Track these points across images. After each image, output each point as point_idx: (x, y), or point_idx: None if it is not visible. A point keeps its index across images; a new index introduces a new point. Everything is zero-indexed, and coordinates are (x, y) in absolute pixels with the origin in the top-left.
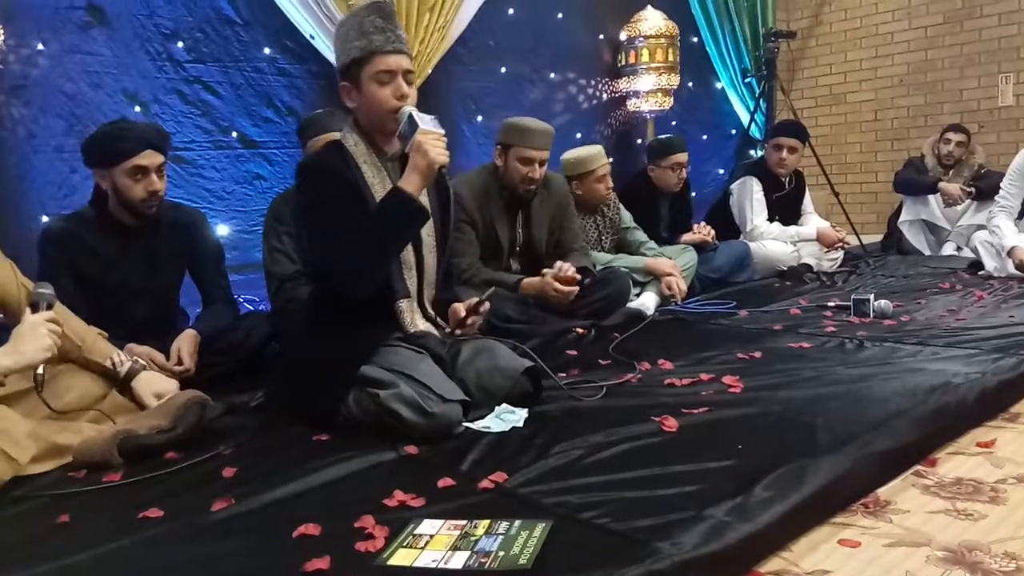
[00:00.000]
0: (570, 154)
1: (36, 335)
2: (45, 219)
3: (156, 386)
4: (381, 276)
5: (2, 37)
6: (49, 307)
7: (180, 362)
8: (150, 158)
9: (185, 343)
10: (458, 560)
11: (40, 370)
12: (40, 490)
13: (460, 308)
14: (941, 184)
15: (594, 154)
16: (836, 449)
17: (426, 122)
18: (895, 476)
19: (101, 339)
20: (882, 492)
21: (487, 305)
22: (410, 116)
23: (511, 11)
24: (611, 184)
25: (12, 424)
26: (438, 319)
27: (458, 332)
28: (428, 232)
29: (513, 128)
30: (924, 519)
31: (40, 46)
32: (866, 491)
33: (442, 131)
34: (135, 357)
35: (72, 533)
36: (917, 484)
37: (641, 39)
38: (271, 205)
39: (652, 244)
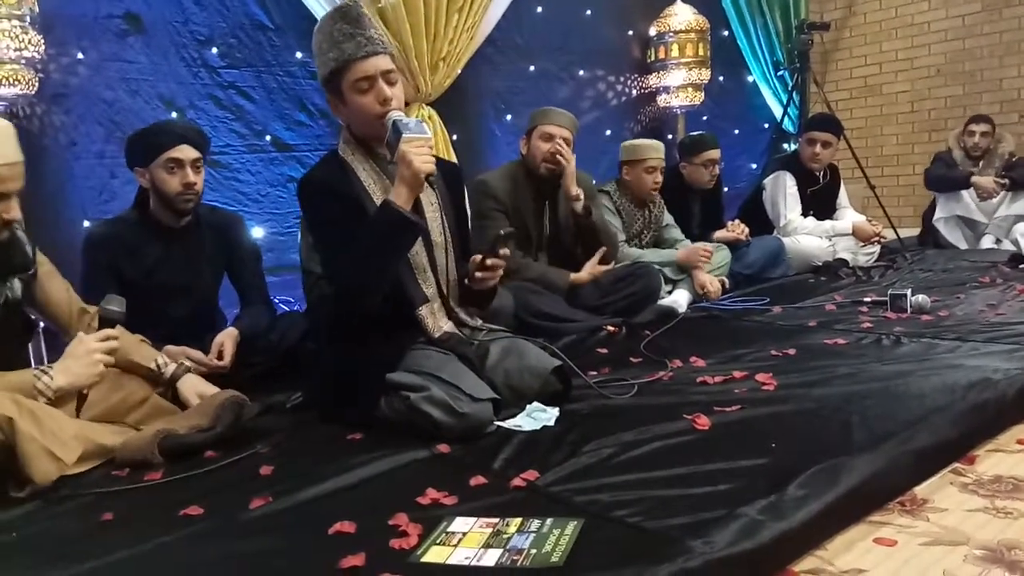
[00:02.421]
0: (629, 141)
1: (89, 360)
2: (87, 224)
3: (201, 388)
4: (385, 287)
5: (43, 47)
6: (112, 325)
7: (220, 357)
8: (185, 152)
9: (228, 340)
10: (491, 558)
11: (84, 390)
12: (85, 488)
13: (477, 257)
14: (974, 178)
15: (650, 144)
16: (872, 447)
17: (410, 128)
18: (933, 474)
19: (144, 343)
20: (919, 490)
21: (505, 251)
22: (394, 124)
23: (539, 9)
24: (659, 180)
25: (59, 425)
26: (464, 317)
27: (479, 276)
28: (438, 231)
29: (536, 112)
30: (962, 517)
31: (79, 55)
32: (903, 489)
33: (428, 135)
34: (181, 360)
35: (115, 530)
36: (955, 482)
37: (671, 34)
38: None
39: (686, 242)
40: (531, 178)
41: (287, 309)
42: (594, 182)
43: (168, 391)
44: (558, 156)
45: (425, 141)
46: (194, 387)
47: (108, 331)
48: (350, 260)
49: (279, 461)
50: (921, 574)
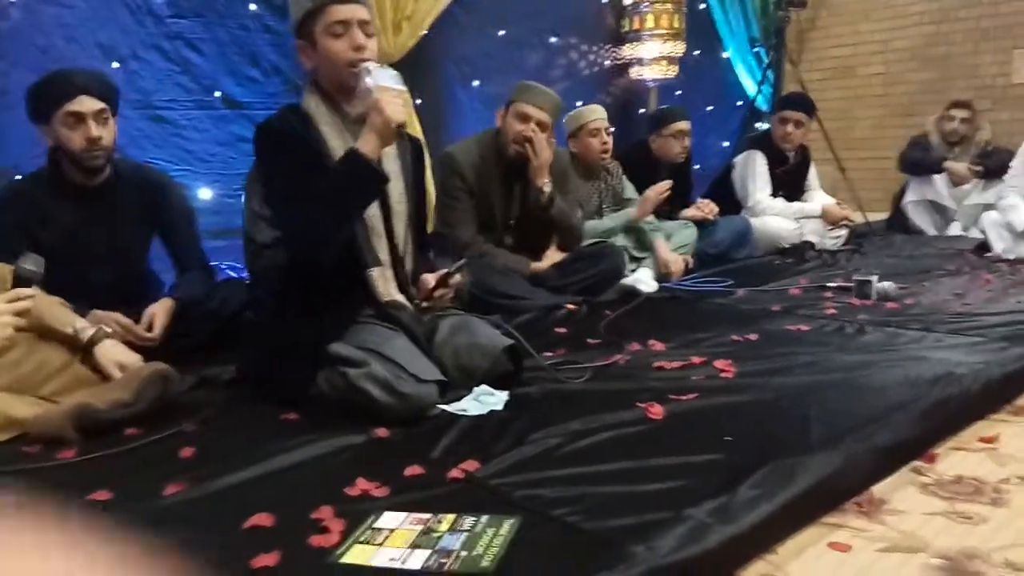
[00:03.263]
0: (568, 113)
1: None
2: (19, 177)
3: (119, 355)
4: (342, 242)
5: None
6: (27, 285)
7: (150, 328)
8: (85, 104)
9: (161, 311)
10: (417, 559)
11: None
12: None
13: (429, 279)
14: (947, 163)
15: (588, 109)
16: (830, 444)
17: (385, 79)
18: (892, 472)
19: (62, 307)
20: (877, 490)
21: (458, 278)
22: (369, 72)
23: None
24: (607, 141)
25: None
26: (414, 292)
27: (425, 304)
28: (398, 200)
29: (520, 85)
30: (921, 521)
31: None
32: (860, 489)
33: (403, 88)
34: (102, 325)
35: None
36: (915, 482)
37: (646, 4)
38: (252, 166)
39: (651, 218)
40: (501, 155)
41: (233, 275)
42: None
43: (87, 358)
44: (527, 145)
45: (399, 94)
46: (112, 354)
47: (18, 291)
48: (308, 210)
49: (203, 442)
50: None
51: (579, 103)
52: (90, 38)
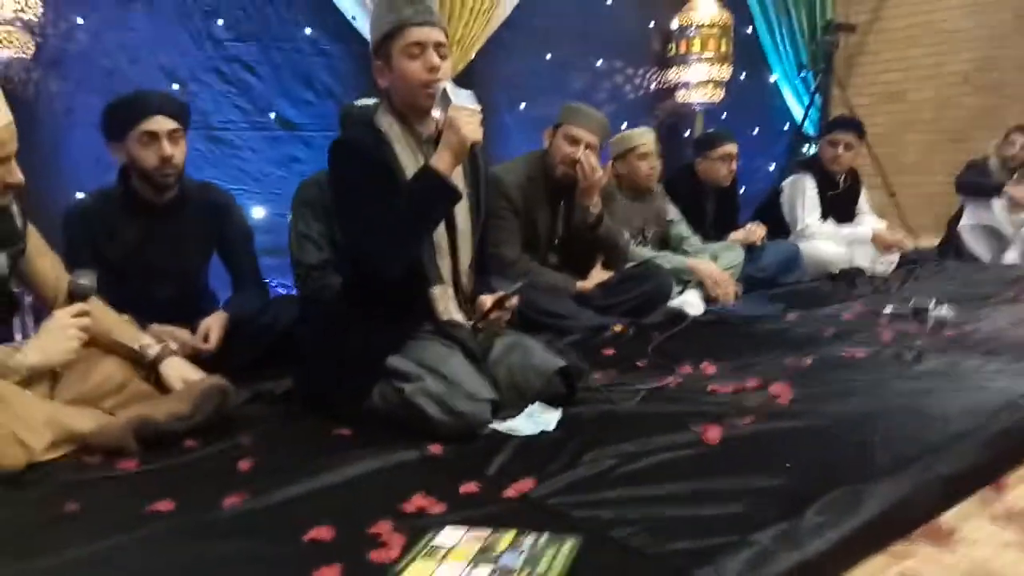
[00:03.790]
0: (615, 136)
1: (64, 336)
2: (80, 196)
3: (185, 372)
4: (412, 257)
5: (41, 10)
6: (83, 299)
7: (206, 339)
8: (159, 123)
9: (215, 323)
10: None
11: (59, 368)
12: (53, 475)
13: (486, 300)
14: (1008, 188)
15: (638, 132)
16: (895, 471)
17: (461, 97)
18: (958, 502)
19: (128, 324)
20: (945, 520)
21: (514, 300)
22: (444, 91)
23: None
24: (655, 165)
25: (29, 410)
26: (470, 311)
27: (480, 326)
28: (463, 217)
29: (569, 108)
30: (994, 552)
31: (79, 20)
32: (927, 518)
33: (478, 107)
34: (166, 341)
35: (78, 524)
36: (984, 512)
37: (693, 28)
38: (298, 189)
39: (695, 240)
40: (548, 176)
41: (284, 292)
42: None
43: (151, 374)
44: (578, 168)
45: (475, 112)
46: (178, 371)
47: (81, 306)
48: (381, 224)
49: (260, 455)
50: None
51: (624, 126)
52: (152, 60)
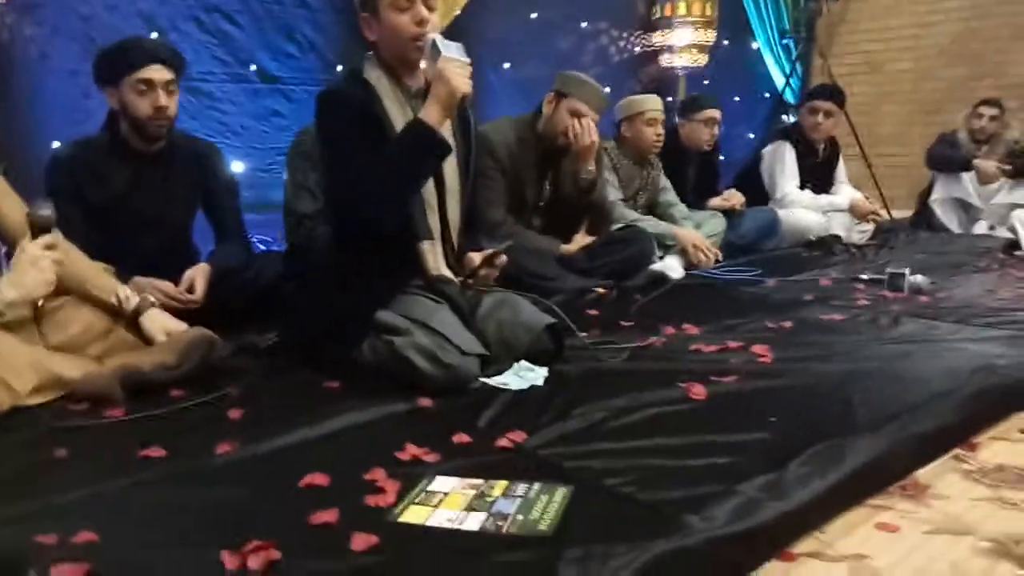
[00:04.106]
0: (625, 98)
1: (37, 267)
2: (56, 145)
3: (166, 323)
4: (402, 211)
5: None
6: (46, 230)
7: (191, 291)
8: (157, 72)
9: (199, 274)
10: (474, 521)
11: (40, 303)
12: (39, 422)
13: (475, 257)
14: (976, 161)
15: (648, 97)
16: (875, 428)
17: (451, 50)
18: (934, 459)
19: (105, 273)
20: (921, 475)
21: (503, 258)
22: (433, 43)
23: None
24: (661, 133)
25: (13, 353)
26: (459, 268)
27: (469, 282)
28: (452, 174)
29: (574, 79)
30: (967, 506)
31: None
32: (904, 473)
33: (468, 60)
34: (146, 294)
35: (68, 469)
36: (958, 469)
37: None
38: (297, 139)
39: (682, 207)
40: (540, 140)
41: (264, 249)
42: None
43: (132, 325)
44: (571, 132)
45: (464, 65)
46: (160, 322)
47: (48, 238)
48: (370, 176)
49: (249, 405)
50: (927, 564)
51: (607, 88)
52: (131, 7)
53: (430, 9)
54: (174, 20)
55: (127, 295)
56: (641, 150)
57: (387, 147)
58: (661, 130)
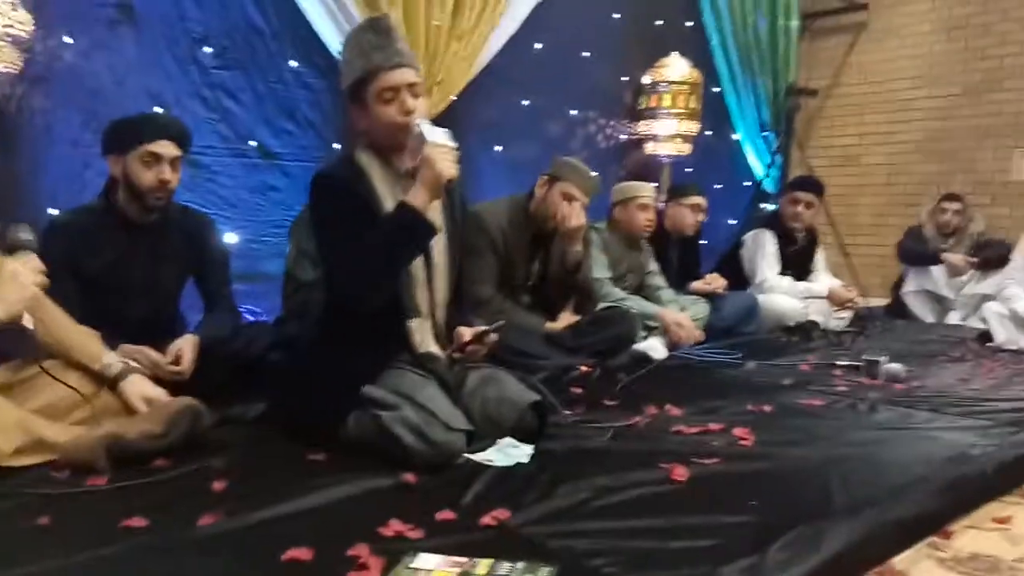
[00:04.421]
0: (619, 183)
1: (17, 282)
2: (54, 212)
3: (145, 390)
4: (389, 291)
5: (31, 27)
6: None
7: (177, 362)
8: (165, 148)
9: (187, 345)
10: None
11: (31, 325)
12: (22, 487)
13: (466, 332)
14: (944, 255)
15: (641, 184)
16: (853, 513)
17: (437, 135)
18: (910, 546)
19: (92, 339)
20: (897, 562)
21: (493, 337)
22: (420, 129)
23: (538, 46)
24: (652, 219)
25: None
26: (446, 342)
27: (457, 356)
28: (440, 251)
29: (567, 165)
30: None
31: (68, 39)
32: (881, 560)
33: (454, 144)
34: (127, 359)
35: (50, 537)
36: (932, 556)
37: (665, 84)
38: (304, 208)
39: (669, 291)
40: (531, 221)
41: (253, 319)
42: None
43: (115, 391)
44: (559, 215)
45: (449, 149)
46: (139, 389)
47: (26, 256)
48: (358, 258)
49: (234, 477)
50: None
51: (594, 173)
52: (138, 82)
53: (416, 96)
54: (179, 96)
55: (109, 361)
56: (632, 233)
57: (376, 226)
58: (652, 215)
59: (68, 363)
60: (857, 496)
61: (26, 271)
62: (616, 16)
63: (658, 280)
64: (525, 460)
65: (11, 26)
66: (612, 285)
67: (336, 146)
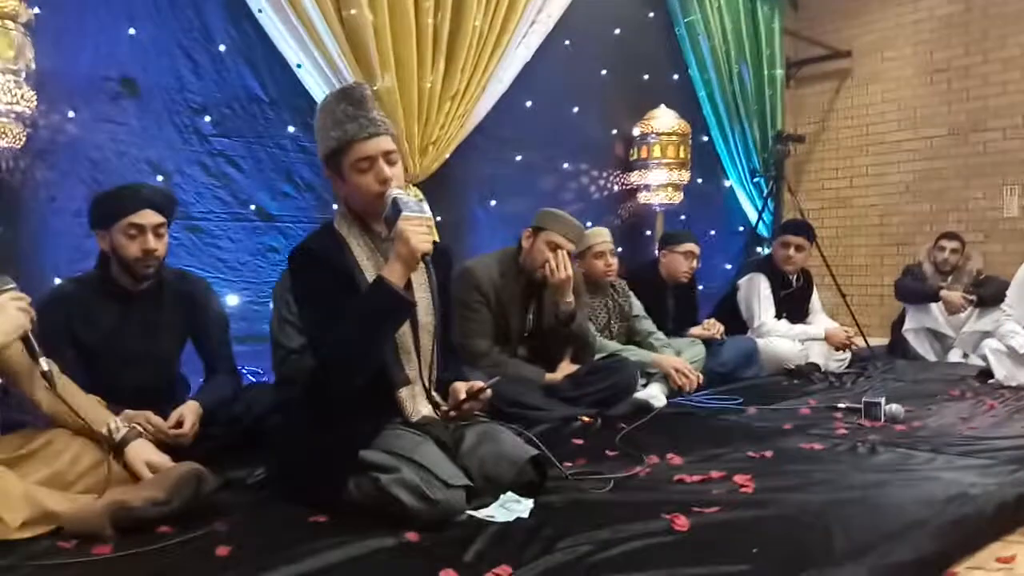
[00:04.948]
0: None
1: (5, 313)
2: (58, 281)
3: (149, 455)
4: (374, 368)
5: (35, 103)
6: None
7: (179, 427)
8: (147, 217)
9: (188, 412)
10: None
11: (45, 367)
12: (29, 560)
13: (461, 389)
14: (943, 293)
15: (594, 231)
16: (854, 557)
17: (410, 207)
18: None
19: (98, 405)
20: None
21: (489, 393)
22: (394, 201)
23: (529, 103)
24: (612, 263)
25: (6, 485)
26: (440, 401)
27: (452, 413)
28: (426, 312)
29: (549, 215)
30: None
31: (71, 113)
32: None
33: (428, 215)
34: (133, 424)
35: None
36: None
37: (654, 135)
38: (284, 274)
39: (660, 335)
40: (522, 272)
41: (254, 380)
42: None
43: (118, 457)
44: (547, 266)
45: (424, 220)
46: (143, 454)
47: (11, 291)
48: (338, 335)
49: (237, 541)
50: None
51: (589, 224)
52: (140, 154)
53: (391, 163)
54: (180, 165)
55: (116, 426)
56: (595, 280)
57: (355, 302)
58: (611, 259)
59: (74, 431)
60: (858, 541)
61: (12, 299)
62: (604, 72)
63: (648, 325)
64: (526, 515)
65: (15, 103)
66: (600, 338)
67: (335, 207)
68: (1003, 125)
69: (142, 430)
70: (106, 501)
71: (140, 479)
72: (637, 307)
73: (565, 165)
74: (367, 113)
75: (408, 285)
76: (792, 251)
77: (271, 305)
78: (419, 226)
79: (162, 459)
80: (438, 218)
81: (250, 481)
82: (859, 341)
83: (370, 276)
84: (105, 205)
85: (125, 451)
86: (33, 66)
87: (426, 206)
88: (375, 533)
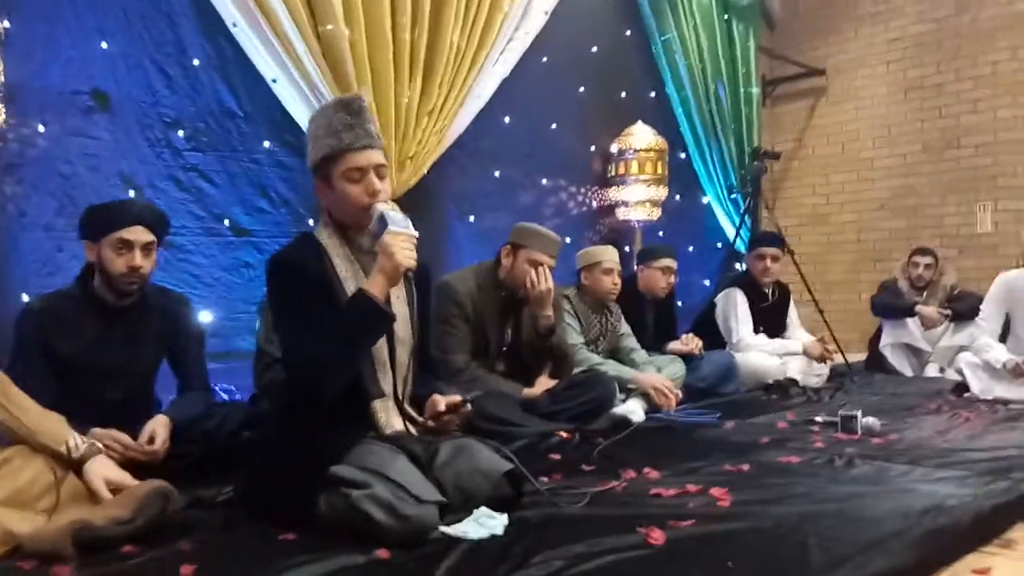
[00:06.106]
0: (584, 249)
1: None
2: (25, 298)
3: (108, 472)
4: (348, 379)
5: (3, 115)
6: None
7: (150, 442)
8: (137, 234)
9: (160, 427)
10: None
11: None
12: None
13: (440, 402)
14: (918, 308)
15: (604, 248)
16: (830, 570)
17: (397, 222)
18: None
19: (58, 423)
20: None
21: (468, 408)
22: (381, 215)
23: (507, 119)
24: (617, 282)
25: None
26: (414, 415)
27: (431, 424)
28: (404, 327)
29: (526, 231)
30: None
31: (41, 127)
32: None
33: (414, 232)
34: (95, 441)
35: None
36: None
37: (631, 152)
38: None
39: (642, 352)
40: (500, 287)
41: (227, 398)
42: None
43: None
44: (528, 280)
45: (409, 237)
46: (101, 471)
47: None
48: (314, 346)
49: (202, 560)
50: None
51: (568, 239)
52: (112, 168)
53: (381, 178)
54: (152, 179)
55: (76, 443)
56: (599, 297)
57: (334, 313)
58: (617, 279)
59: (35, 448)
60: (834, 553)
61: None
62: (581, 89)
63: (631, 342)
64: (500, 531)
65: None
66: (586, 350)
67: (311, 222)
68: (975, 142)
69: (102, 447)
70: (68, 520)
71: (99, 497)
72: (624, 327)
73: (544, 181)
74: (363, 124)
75: (387, 299)
76: (768, 262)
77: (257, 321)
78: (404, 242)
79: (121, 476)
80: (415, 233)
81: (219, 499)
82: (838, 355)
83: (348, 286)
84: (97, 217)
85: (84, 468)
86: (2, 79)
87: (411, 225)
88: (345, 550)
